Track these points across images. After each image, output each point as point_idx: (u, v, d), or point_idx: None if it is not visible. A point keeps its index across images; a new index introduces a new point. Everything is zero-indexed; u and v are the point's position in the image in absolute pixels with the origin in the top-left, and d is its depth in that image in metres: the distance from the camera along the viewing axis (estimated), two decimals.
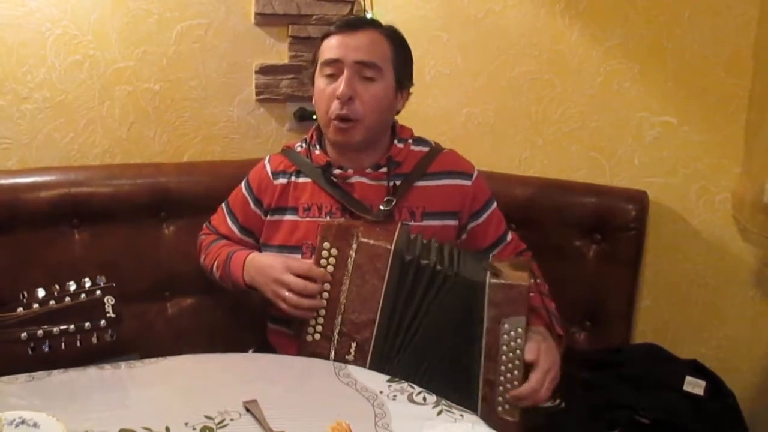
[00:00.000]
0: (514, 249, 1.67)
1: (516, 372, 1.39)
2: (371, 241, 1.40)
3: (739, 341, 1.81)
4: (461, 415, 1.19)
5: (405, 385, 1.28)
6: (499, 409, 1.39)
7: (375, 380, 1.29)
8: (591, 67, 1.91)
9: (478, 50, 2.10)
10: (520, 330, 1.38)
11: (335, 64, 1.52)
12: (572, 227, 1.88)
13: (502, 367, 1.39)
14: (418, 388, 1.26)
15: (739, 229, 1.77)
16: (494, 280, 1.38)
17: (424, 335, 1.40)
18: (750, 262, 1.76)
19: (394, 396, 1.24)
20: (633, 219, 1.81)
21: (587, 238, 1.87)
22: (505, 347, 1.38)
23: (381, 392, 1.25)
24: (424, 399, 1.23)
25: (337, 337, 1.40)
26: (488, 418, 1.32)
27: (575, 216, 1.87)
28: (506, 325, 1.38)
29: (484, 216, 1.63)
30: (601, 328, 1.86)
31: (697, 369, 1.66)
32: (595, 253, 1.86)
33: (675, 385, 1.61)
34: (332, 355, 1.40)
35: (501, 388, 1.40)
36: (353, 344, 1.40)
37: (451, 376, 1.40)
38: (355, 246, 1.39)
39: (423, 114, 2.18)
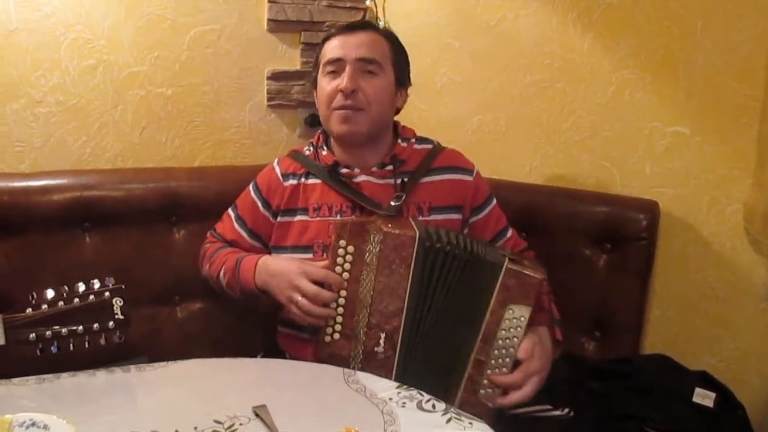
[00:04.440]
0: (514, 245, 1.69)
1: (507, 359, 1.40)
2: (396, 231, 1.40)
3: (749, 353, 1.79)
4: (470, 423, 1.18)
5: (414, 392, 1.27)
6: (481, 392, 1.41)
7: (384, 387, 1.29)
8: (603, 77, 1.91)
9: (490, 58, 2.11)
10: (522, 319, 1.39)
11: (338, 62, 1.57)
12: (582, 236, 1.87)
13: (495, 351, 1.40)
14: (427, 395, 1.26)
15: (750, 241, 1.75)
16: (511, 266, 1.40)
17: (442, 319, 1.42)
18: (761, 274, 1.75)
19: (404, 403, 1.24)
20: (643, 229, 1.80)
21: (597, 248, 1.86)
22: (503, 332, 1.40)
23: (390, 399, 1.25)
24: (434, 406, 1.23)
25: (364, 329, 1.40)
26: (468, 399, 1.37)
27: (585, 225, 1.87)
28: (510, 311, 1.39)
29: (485, 211, 1.67)
30: (610, 338, 1.85)
31: (707, 380, 1.65)
32: (605, 262, 1.85)
33: (684, 396, 1.60)
34: (360, 349, 1.40)
35: (489, 371, 1.41)
36: (382, 335, 1.40)
37: (445, 355, 1.42)
38: (379, 237, 1.39)
39: (434, 121, 2.19)
